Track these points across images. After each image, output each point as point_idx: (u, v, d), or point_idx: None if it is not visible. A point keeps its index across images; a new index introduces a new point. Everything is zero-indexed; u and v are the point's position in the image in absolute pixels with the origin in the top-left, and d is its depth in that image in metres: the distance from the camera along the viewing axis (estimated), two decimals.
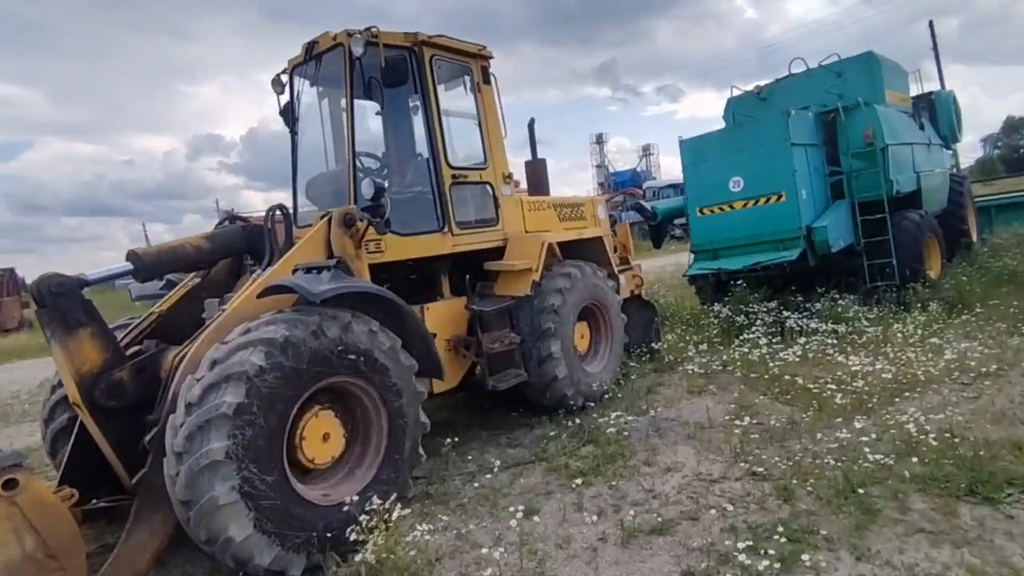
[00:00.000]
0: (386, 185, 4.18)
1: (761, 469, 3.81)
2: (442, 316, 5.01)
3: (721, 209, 8.51)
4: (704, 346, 7.06)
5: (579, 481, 3.95)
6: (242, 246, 4.32)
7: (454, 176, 5.06)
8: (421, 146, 5.22)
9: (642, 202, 9.75)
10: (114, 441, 3.45)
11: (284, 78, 5.21)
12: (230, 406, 2.90)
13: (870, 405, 4.67)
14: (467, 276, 5.24)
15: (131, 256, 3.86)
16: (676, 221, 10.79)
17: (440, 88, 5.17)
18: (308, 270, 3.77)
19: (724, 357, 6.55)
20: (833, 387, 4.93)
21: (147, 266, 3.91)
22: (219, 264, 4.47)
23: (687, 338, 7.58)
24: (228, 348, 3.13)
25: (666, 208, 9.87)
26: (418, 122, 5.21)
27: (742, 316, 7.58)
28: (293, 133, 5.20)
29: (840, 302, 7.57)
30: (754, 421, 4.70)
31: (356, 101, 5.20)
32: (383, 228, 4.12)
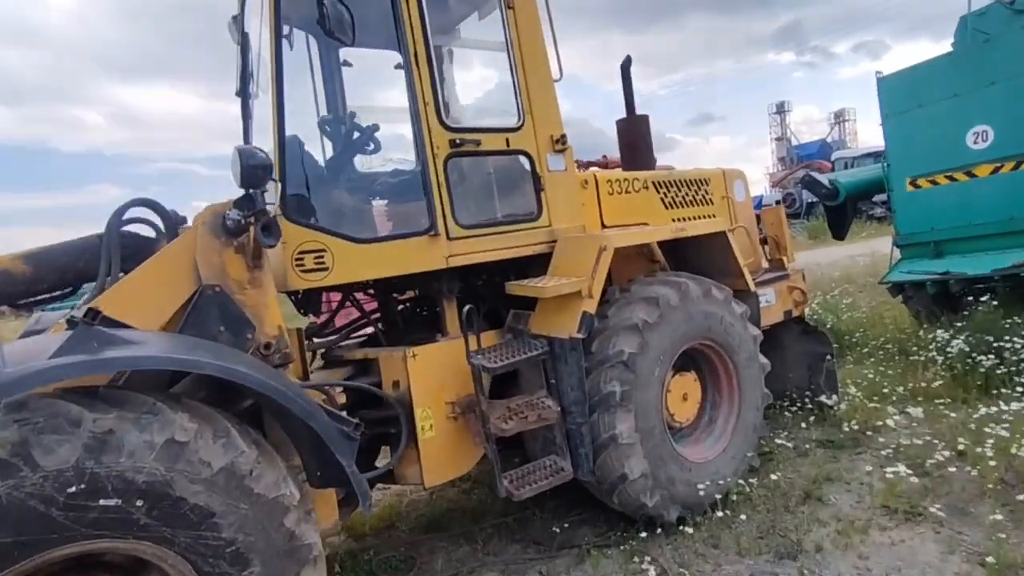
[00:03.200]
0: (271, 160, 2.41)
1: None
2: (438, 366, 3.14)
3: (951, 179, 5.43)
4: (918, 408, 4.25)
5: None
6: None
7: (453, 143, 3.12)
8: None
9: (815, 173, 6.81)
10: None
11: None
12: None
13: None
14: (495, 301, 3.32)
15: None
16: (874, 198, 7.57)
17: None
18: (73, 321, 2.14)
19: (958, 436, 3.75)
20: None
21: None
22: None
23: (885, 388, 4.77)
24: None
25: (854, 181, 6.77)
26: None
27: (991, 356, 4.55)
28: (244, 95, 3.64)
29: None
30: None
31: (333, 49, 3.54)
32: (264, 238, 2.35)
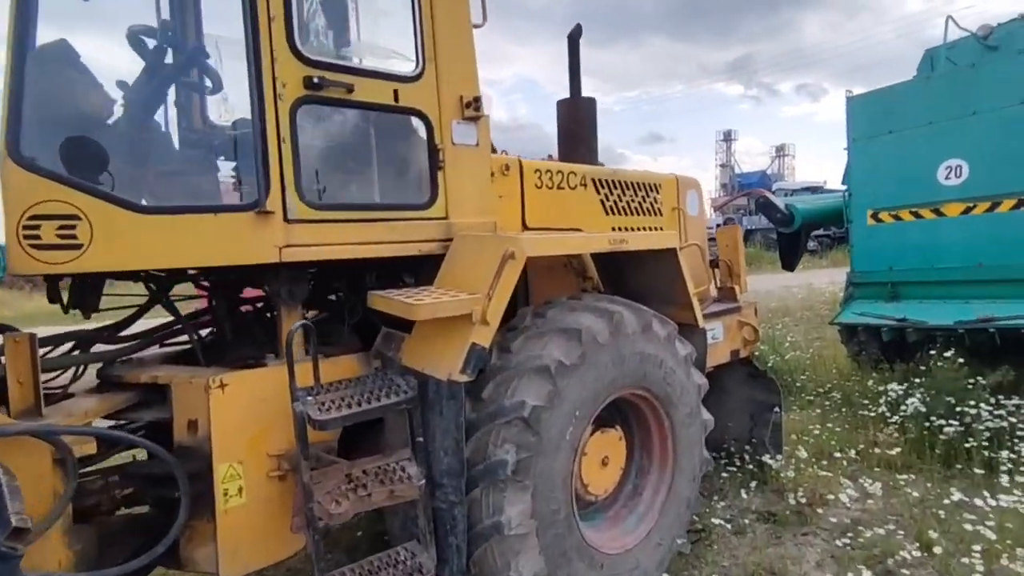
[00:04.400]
0: None
1: None
2: (258, 403, 2.15)
3: (917, 215, 4.89)
4: (873, 482, 3.59)
5: None
6: None
7: (309, 82, 2.13)
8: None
9: (771, 196, 6.23)
10: None
11: None
12: None
13: None
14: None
15: None
16: (822, 230, 7.09)
17: None
18: None
19: (925, 526, 3.07)
20: None
21: None
22: None
23: (834, 448, 4.13)
24: None
25: (811, 209, 6.20)
26: None
27: (953, 422, 3.96)
28: None
29: None
30: None
31: None
32: None
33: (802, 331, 9.24)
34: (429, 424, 2.18)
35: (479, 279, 2.22)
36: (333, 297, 2.88)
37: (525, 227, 3.13)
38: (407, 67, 2.44)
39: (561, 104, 3.90)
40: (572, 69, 3.86)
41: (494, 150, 3.23)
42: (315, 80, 2.13)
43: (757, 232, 25.53)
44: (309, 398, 1.99)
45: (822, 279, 14.65)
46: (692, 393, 2.88)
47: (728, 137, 70.84)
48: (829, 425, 4.45)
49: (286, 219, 2.10)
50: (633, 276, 3.27)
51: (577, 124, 3.85)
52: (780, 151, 70.06)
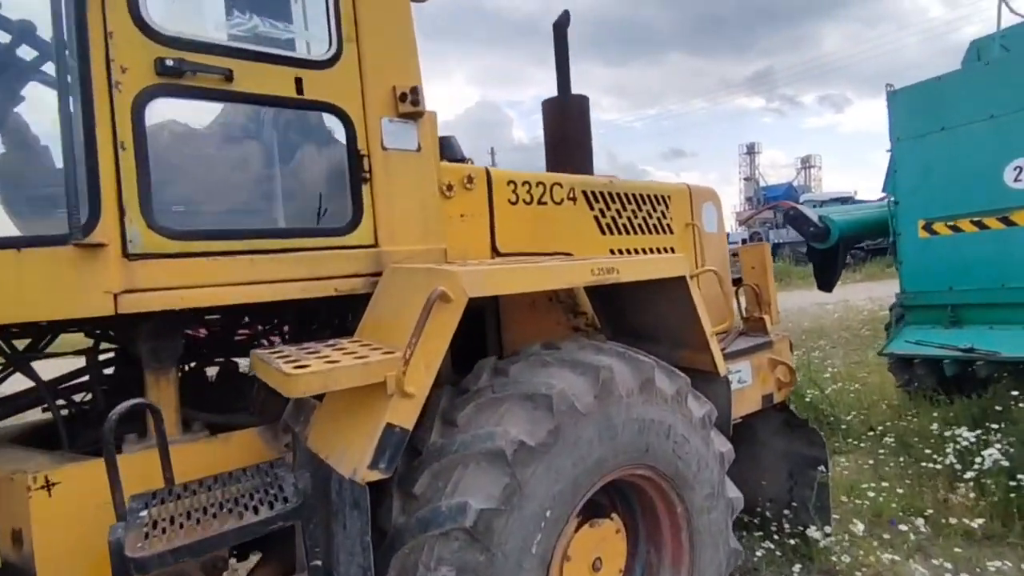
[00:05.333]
0: None
1: None
2: (90, 511, 1.53)
3: (980, 225, 4.13)
4: (944, 558, 2.81)
5: None
6: None
7: (161, 65, 1.55)
8: None
9: (802, 207, 5.48)
10: None
11: None
12: None
13: None
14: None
15: None
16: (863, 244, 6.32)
17: None
18: None
19: None
20: None
21: None
22: None
23: (894, 509, 3.36)
24: None
25: (850, 221, 5.42)
26: None
27: None
28: None
29: None
30: None
31: None
32: None
33: (841, 355, 8.40)
34: (331, 536, 1.53)
35: (400, 329, 1.59)
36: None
37: (496, 253, 2.51)
38: (317, 48, 1.85)
39: (547, 104, 3.30)
40: (559, 63, 3.25)
41: (460, 158, 2.64)
42: (171, 63, 1.55)
43: (785, 246, 24.53)
44: (143, 513, 1.37)
45: (858, 295, 13.67)
46: (712, 466, 2.19)
47: (751, 150, 69.80)
48: (886, 484, 3.66)
49: (125, 254, 1.50)
50: (636, 312, 2.61)
51: (566, 126, 3.24)
52: (806, 162, 68.68)
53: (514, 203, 2.58)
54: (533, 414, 1.70)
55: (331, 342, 1.71)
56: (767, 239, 24.10)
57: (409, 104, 1.97)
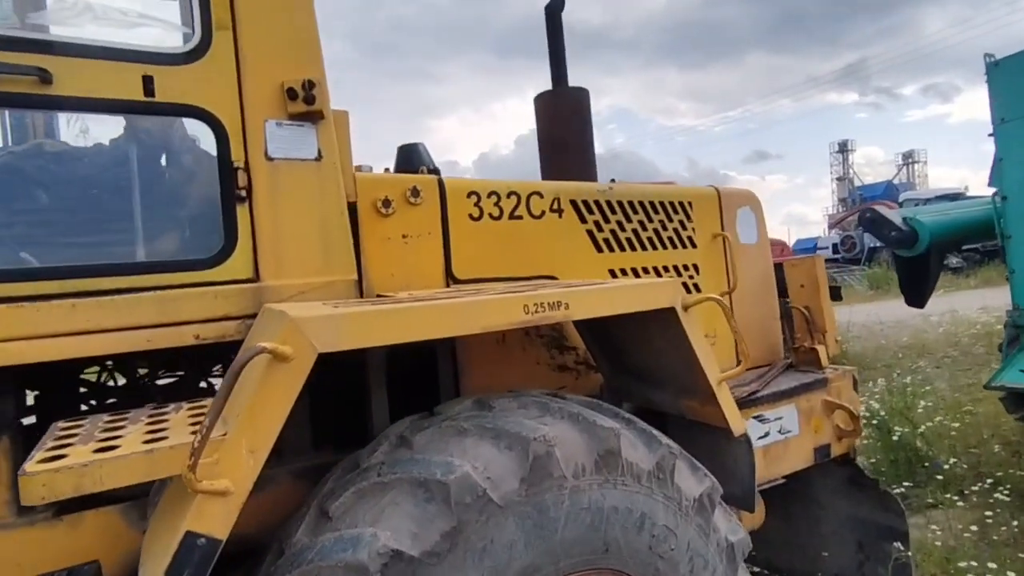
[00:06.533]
0: None
1: None
2: None
3: None
4: None
5: None
6: None
7: None
8: None
9: (881, 209, 4.59)
10: None
11: None
12: None
13: None
14: None
15: None
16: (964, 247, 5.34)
17: None
18: None
19: None
20: None
21: None
22: None
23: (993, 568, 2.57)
24: None
25: (943, 222, 4.48)
26: None
27: None
28: None
29: None
30: None
31: None
32: None
33: (946, 377, 7.21)
34: None
35: (240, 398, 1.18)
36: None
37: (452, 279, 2.07)
38: (171, 38, 1.51)
39: (540, 100, 2.83)
40: (553, 52, 2.79)
41: (431, 170, 2.24)
42: None
43: (882, 250, 22.28)
44: None
45: (970, 303, 11.92)
46: (715, 565, 1.61)
47: (844, 148, 65.07)
48: (994, 558, 2.84)
49: None
50: (634, 349, 2.08)
51: (561, 124, 2.76)
52: (908, 158, 63.15)
53: (477, 219, 2.13)
54: (424, 509, 1.24)
55: (166, 409, 1.33)
56: (861, 244, 22.00)
57: (302, 102, 1.58)
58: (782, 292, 2.97)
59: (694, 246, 2.66)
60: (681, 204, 2.64)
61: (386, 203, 1.92)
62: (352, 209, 1.83)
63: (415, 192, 1.98)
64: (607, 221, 2.42)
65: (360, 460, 1.42)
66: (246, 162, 1.53)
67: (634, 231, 2.48)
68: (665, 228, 2.58)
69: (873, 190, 40.13)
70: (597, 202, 2.39)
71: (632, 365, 2.17)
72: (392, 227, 1.94)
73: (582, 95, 2.79)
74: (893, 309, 13.33)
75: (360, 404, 1.90)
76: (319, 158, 1.64)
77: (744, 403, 2.30)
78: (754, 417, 2.36)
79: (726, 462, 1.96)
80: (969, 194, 23.76)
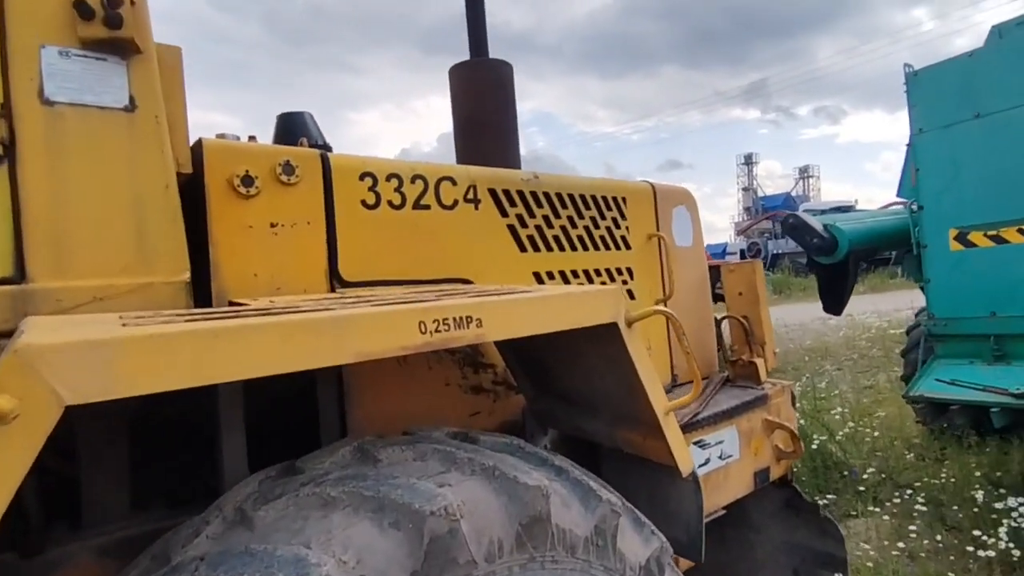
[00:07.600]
0: None
1: None
2: None
3: None
4: None
5: None
6: None
7: None
8: None
9: (804, 216, 4.58)
10: None
11: None
12: None
13: None
14: None
15: None
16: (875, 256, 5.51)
17: None
18: None
19: None
20: None
21: None
22: None
23: None
24: None
25: (862, 230, 4.51)
26: None
27: None
28: None
29: None
30: None
31: None
32: None
33: (849, 379, 7.51)
34: None
35: None
36: None
37: (338, 281, 1.62)
38: None
39: (456, 72, 2.42)
40: (472, 19, 2.39)
41: (317, 144, 1.79)
42: None
43: (784, 256, 23.70)
44: None
45: (863, 308, 12.71)
46: None
47: (749, 160, 69.26)
48: (914, 567, 2.75)
49: None
50: (561, 369, 1.72)
51: (481, 100, 2.36)
52: (804, 172, 68.12)
53: (372, 206, 1.70)
54: None
55: None
56: (766, 250, 23.22)
57: (101, 24, 1.09)
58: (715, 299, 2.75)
59: (628, 247, 2.35)
60: (615, 199, 2.32)
61: (247, 180, 1.45)
62: (194, 185, 1.36)
63: (288, 168, 1.52)
64: (532, 215, 2.05)
65: (170, 551, 0.96)
66: (6, 104, 1.02)
67: (563, 228, 2.13)
68: (597, 226, 2.25)
69: (774, 200, 42.82)
70: (521, 192, 2.02)
71: (560, 387, 1.81)
72: (256, 212, 1.47)
73: (505, 68, 2.41)
74: (794, 313, 14.03)
75: (209, 445, 1.42)
76: (131, 107, 1.15)
77: (685, 428, 2.01)
78: (695, 443, 2.08)
79: (668, 503, 1.65)
80: (859, 207, 25.74)
